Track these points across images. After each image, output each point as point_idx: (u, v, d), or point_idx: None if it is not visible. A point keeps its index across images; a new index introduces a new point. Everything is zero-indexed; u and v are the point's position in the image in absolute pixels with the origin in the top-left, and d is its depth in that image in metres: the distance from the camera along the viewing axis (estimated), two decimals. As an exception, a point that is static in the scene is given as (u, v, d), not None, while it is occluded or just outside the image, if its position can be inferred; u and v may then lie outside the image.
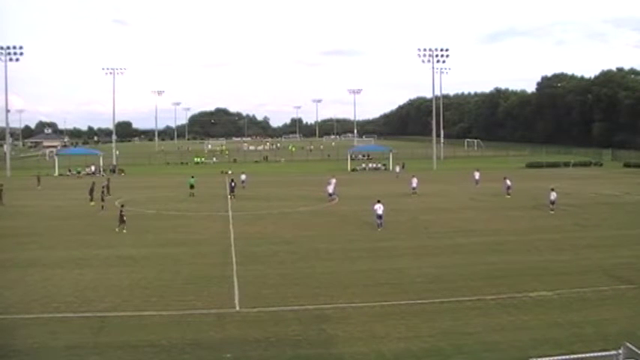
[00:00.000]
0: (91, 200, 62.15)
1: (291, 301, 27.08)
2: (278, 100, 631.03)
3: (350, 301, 26.97)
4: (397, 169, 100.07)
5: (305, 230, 45.79)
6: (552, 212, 51.68)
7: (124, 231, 44.16)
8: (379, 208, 44.55)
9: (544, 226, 46.38)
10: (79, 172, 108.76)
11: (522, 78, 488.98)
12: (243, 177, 77.21)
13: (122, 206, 45.02)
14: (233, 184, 67.62)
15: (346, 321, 24.11)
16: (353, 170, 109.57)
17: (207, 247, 39.74)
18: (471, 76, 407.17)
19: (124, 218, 45.20)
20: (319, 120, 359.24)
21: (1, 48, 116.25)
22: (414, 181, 67.55)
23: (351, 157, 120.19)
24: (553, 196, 52.51)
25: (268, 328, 23.42)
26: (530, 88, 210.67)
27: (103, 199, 59.17)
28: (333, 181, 65.77)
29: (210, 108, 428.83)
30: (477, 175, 74.47)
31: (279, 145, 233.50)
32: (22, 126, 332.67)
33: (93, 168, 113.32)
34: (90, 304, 27.05)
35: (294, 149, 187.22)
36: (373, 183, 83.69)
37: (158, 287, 29.84)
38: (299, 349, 21.34)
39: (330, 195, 62.59)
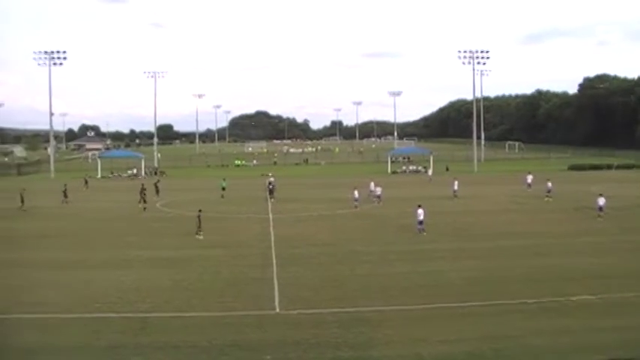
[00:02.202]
0: (144, 202, 63.17)
1: (330, 303, 27.04)
2: (318, 103, 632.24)
3: (389, 303, 26.89)
4: (430, 172, 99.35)
5: (344, 233, 45.75)
6: (600, 219, 49.30)
7: (201, 237, 43.44)
8: (421, 214, 44.07)
9: (586, 229, 45.82)
10: (134, 175, 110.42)
11: (564, 79, 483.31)
12: (271, 179, 77.66)
13: (200, 211, 44.61)
14: (271, 186, 68.04)
15: (385, 324, 24.03)
16: (393, 173, 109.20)
17: (247, 249, 39.91)
18: (512, 78, 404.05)
19: (200, 224, 44.30)
20: (359, 122, 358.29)
21: (46, 53, 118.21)
22: (456, 184, 67.15)
23: (391, 159, 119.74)
24: (602, 201, 50.35)
25: (308, 330, 23.46)
26: (572, 89, 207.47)
27: (144, 201, 59.69)
28: (372, 184, 65.46)
29: (251, 111, 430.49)
30: (529, 178, 73.27)
31: (319, 147, 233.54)
32: (66, 129, 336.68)
33: (135, 170, 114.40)
34: (132, 305, 27.35)
35: (337, 150, 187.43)
36: (413, 185, 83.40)
37: (199, 289, 30.06)
38: (338, 351, 21.33)
39: (373, 196, 62.14)
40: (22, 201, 60.97)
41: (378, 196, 62.16)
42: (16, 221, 54.66)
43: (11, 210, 60.59)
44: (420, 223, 43.86)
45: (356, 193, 59.52)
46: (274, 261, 35.88)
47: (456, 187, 66.83)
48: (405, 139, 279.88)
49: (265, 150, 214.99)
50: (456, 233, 44.97)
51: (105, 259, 37.75)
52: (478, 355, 20.87)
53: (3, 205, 63.15)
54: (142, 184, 65.28)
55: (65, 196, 68.09)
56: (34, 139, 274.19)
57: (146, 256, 38.36)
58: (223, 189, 70.21)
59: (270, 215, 54.62)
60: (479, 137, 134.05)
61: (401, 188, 78.49)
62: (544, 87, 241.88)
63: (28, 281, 32.20)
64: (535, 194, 66.47)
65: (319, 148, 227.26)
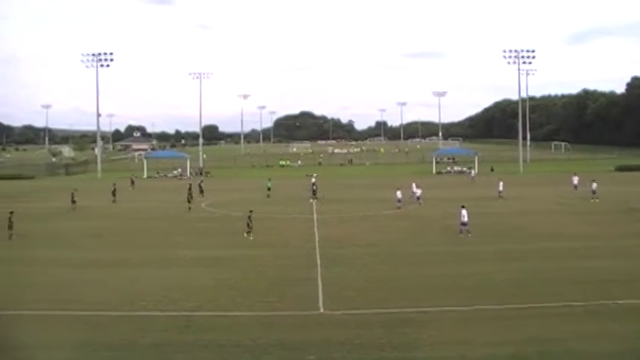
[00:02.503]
0: (189, 202, 63.87)
1: (374, 304, 26.95)
2: (362, 103, 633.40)
3: (433, 304, 26.70)
4: (472, 173, 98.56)
5: (388, 233, 45.63)
6: None
7: (251, 237, 43.36)
8: (465, 215, 43.62)
9: (634, 231, 44.87)
10: (179, 175, 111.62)
11: (611, 78, 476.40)
12: (313, 180, 77.83)
13: (251, 212, 44.69)
14: (315, 187, 68.21)
15: (430, 325, 23.88)
16: (438, 173, 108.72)
17: (291, 249, 40.02)
18: (558, 77, 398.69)
19: (251, 224, 44.00)
20: (404, 123, 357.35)
21: (93, 55, 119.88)
22: (500, 185, 66.60)
23: (435, 160, 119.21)
24: None
25: (352, 330, 23.40)
26: (620, 88, 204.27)
27: (189, 201, 60.17)
28: (414, 184, 65.14)
29: (295, 111, 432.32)
30: (575, 179, 72.23)
31: (364, 148, 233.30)
32: (113, 130, 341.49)
33: (180, 171, 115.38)
34: (176, 304, 27.60)
35: (383, 151, 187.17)
36: (457, 186, 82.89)
37: (243, 288, 30.21)
38: (382, 352, 21.25)
39: (414, 198, 61.73)
40: (74, 201, 62.02)
41: (418, 198, 61.74)
42: (66, 220, 55.57)
43: (61, 209, 61.63)
44: (464, 224, 43.43)
45: (399, 193, 59.22)
46: (318, 261, 35.88)
47: (500, 188, 66.29)
48: (449, 139, 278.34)
49: (311, 150, 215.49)
50: (501, 234, 44.56)
51: (150, 258, 38.21)
52: (522, 358, 20.63)
53: (53, 204, 64.10)
54: (190, 185, 65.90)
55: (114, 195, 69.25)
56: (82, 139, 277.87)
57: (191, 255, 38.70)
58: (269, 189, 70.77)
59: (315, 215, 54.71)
60: (524, 138, 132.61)
61: (445, 189, 78.16)
62: (591, 86, 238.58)
63: (76, 279, 32.70)
64: (581, 195, 65.66)
65: (364, 148, 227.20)
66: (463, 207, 44.32)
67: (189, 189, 61.51)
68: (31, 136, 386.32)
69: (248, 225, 43.65)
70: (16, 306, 27.61)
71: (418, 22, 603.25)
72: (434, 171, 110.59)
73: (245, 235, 43.49)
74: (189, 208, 58.72)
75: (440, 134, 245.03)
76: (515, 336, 22.60)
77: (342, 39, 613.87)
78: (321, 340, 22.53)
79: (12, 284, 31.92)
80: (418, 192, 62.28)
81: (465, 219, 43.34)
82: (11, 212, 45.63)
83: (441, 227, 47.44)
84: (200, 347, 21.98)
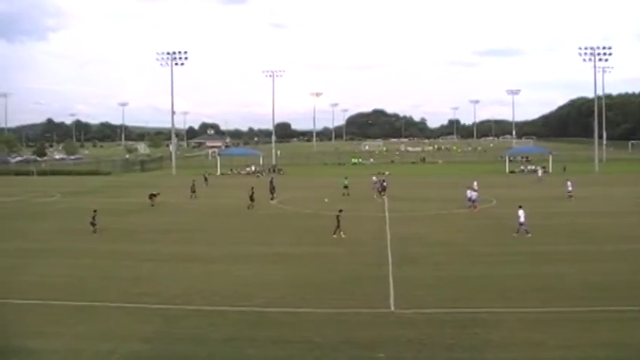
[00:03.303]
0: (272, 199, 64.38)
1: (445, 303, 26.77)
2: (435, 101, 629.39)
3: (505, 305, 26.37)
4: (539, 172, 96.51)
5: (460, 232, 45.23)
6: None
7: (343, 235, 43.08)
8: (522, 215, 42.84)
9: None
10: (253, 172, 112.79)
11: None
12: (374, 179, 77.89)
13: (340, 211, 44.38)
14: (385, 184, 68.16)
15: (501, 326, 23.60)
16: (511, 172, 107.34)
17: (362, 247, 40.01)
18: (635, 75, 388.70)
19: (340, 222, 43.60)
20: (477, 121, 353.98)
21: (168, 54, 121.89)
22: (569, 185, 65.37)
23: (509, 158, 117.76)
24: None
25: (422, 329, 23.29)
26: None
27: (252, 199, 60.03)
28: (475, 183, 64.36)
29: (368, 109, 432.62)
30: None
31: (436, 146, 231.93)
32: (187, 127, 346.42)
33: (253, 168, 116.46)
34: (247, 299, 27.87)
35: (456, 149, 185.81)
36: (530, 186, 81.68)
37: (313, 285, 30.35)
38: (452, 352, 21.12)
39: (473, 201, 60.62)
40: (152, 197, 63.29)
41: (470, 199, 60.42)
42: (142, 216, 56.77)
43: (137, 204, 62.90)
44: (521, 224, 42.85)
45: (469, 192, 58.62)
46: (390, 259, 35.79)
47: (569, 188, 64.99)
48: (523, 138, 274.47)
49: (385, 149, 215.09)
50: (574, 235, 43.65)
51: (223, 253, 38.77)
52: (594, 362, 20.34)
53: (129, 199, 65.40)
54: (271, 180, 66.16)
55: (193, 191, 70.47)
56: (157, 136, 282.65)
57: (263, 251, 39.08)
58: (346, 187, 70.70)
59: (387, 214, 54.62)
60: (600, 136, 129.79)
61: (517, 188, 77.13)
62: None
63: (152, 273, 33.53)
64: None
65: (436, 146, 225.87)
66: (520, 207, 43.83)
67: (252, 189, 61.51)
68: (107, 133, 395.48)
69: (337, 224, 43.26)
70: (95, 298, 28.44)
71: (492, 19, 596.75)
72: (507, 170, 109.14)
73: (334, 235, 42.97)
74: (250, 206, 58.83)
75: (513, 133, 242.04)
76: (587, 339, 22.13)
77: (414, 36, 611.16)
78: (391, 338, 22.49)
79: (92, 277, 32.87)
80: (473, 194, 60.50)
81: (522, 219, 42.80)
82: (95, 211, 47.02)
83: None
84: (270, 343, 22.19)
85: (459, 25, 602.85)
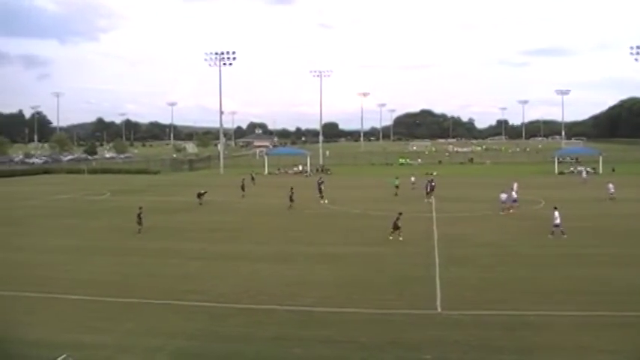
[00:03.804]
0: (322, 198, 64.48)
1: (492, 305, 26.52)
2: (483, 101, 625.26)
3: (553, 308, 25.98)
4: (584, 173, 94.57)
5: (507, 233, 44.76)
6: None
7: (400, 238, 41.82)
8: (557, 217, 42.35)
9: None
10: (300, 172, 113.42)
11: None
12: (413, 179, 78.18)
13: (400, 214, 43.18)
14: (433, 184, 67.86)
15: (549, 329, 23.31)
16: (560, 173, 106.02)
17: (410, 248, 39.81)
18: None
19: (399, 225, 42.37)
20: (525, 121, 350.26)
21: (216, 54, 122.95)
22: (610, 187, 64.23)
23: (558, 159, 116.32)
24: None
25: (469, 331, 23.14)
26: None
27: (291, 200, 59.74)
28: (515, 185, 63.55)
29: (415, 109, 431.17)
30: None
31: (484, 146, 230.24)
32: (235, 127, 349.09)
33: (300, 167, 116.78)
34: (294, 299, 27.97)
35: (504, 149, 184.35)
36: (579, 187, 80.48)
37: (360, 285, 30.31)
38: (500, 354, 20.92)
39: (514, 201, 59.74)
40: (200, 196, 63.87)
41: (504, 202, 59.66)
42: (190, 214, 57.27)
43: (185, 203, 63.47)
44: (556, 225, 42.39)
45: (514, 193, 58.09)
46: (437, 260, 35.58)
47: (611, 191, 63.80)
48: (572, 139, 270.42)
49: (434, 149, 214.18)
50: (620, 238, 42.80)
51: (271, 252, 38.91)
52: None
53: (178, 198, 65.97)
54: (320, 179, 66.13)
55: (243, 189, 71.08)
56: (205, 136, 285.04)
57: (310, 251, 39.16)
58: (397, 187, 70.59)
59: (434, 214, 54.34)
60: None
61: (566, 189, 76.07)
62: None
63: (199, 271, 33.84)
64: None
65: (484, 147, 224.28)
66: (555, 208, 43.45)
67: (292, 190, 61.33)
68: (156, 132, 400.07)
69: (395, 225, 42.31)
70: (143, 295, 28.81)
71: (541, 19, 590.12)
72: (556, 171, 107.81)
73: (390, 237, 42.11)
74: (290, 207, 58.73)
75: (562, 133, 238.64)
76: (634, 344, 21.74)
77: (463, 36, 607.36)
78: (437, 339, 22.35)
79: (140, 274, 33.37)
80: (504, 196, 57.97)
81: (558, 220, 42.34)
82: (140, 207, 47.41)
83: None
84: (317, 342, 22.22)
85: (508, 25, 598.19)
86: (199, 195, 64.18)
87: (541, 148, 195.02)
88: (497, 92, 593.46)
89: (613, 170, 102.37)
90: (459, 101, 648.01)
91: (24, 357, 20.91)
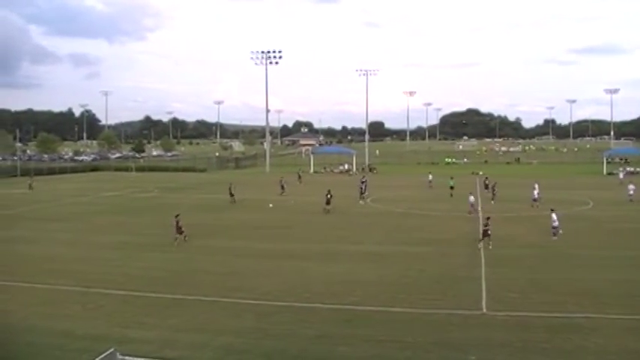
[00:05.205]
0: (362, 198, 64.19)
1: (538, 306, 26.24)
2: (530, 101, 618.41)
3: (601, 311, 25.55)
4: (620, 174, 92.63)
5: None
6: None
7: (490, 247, 38.53)
8: (555, 220, 42.29)
9: None
10: (345, 171, 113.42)
11: None
12: (430, 177, 79.32)
13: (488, 219, 40.77)
14: (487, 181, 69.22)
15: (597, 332, 22.95)
16: (609, 174, 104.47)
17: (454, 248, 39.65)
18: None
19: (489, 232, 39.38)
20: (573, 121, 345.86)
21: (262, 52, 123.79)
22: (630, 189, 63.35)
23: (606, 160, 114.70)
24: None
25: (514, 333, 22.95)
26: None
27: (328, 202, 57.64)
28: (536, 185, 62.79)
29: (462, 108, 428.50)
30: None
31: (531, 146, 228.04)
32: (281, 125, 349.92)
33: (346, 166, 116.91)
34: (339, 297, 28.00)
35: (553, 149, 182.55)
36: (607, 188, 78.97)
37: (405, 285, 30.26)
38: (545, 357, 20.70)
39: (534, 200, 59.03)
40: (232, 194, 64.12)
41: (535, 200, 59.19)
42: (236, 212, 57.69)
43: (239, 201, 63.83)
44: (554, 227, 42.32)
45: (536, 193, 58.89)
46: (482, 260, 35.37)
47: (630, 192, 62.87)
48: (622, 138, 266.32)
49: (485, 148, 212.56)
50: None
51: (315, 251, 39.06)
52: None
53: (224, 196, 66.31)
54: (364, 178, 65.95)
55: (282, 188, 71.25)
56: (251, 134, 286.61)
57: (354, 249, 39.23)
58: (452, 188, 69.55)
59: (480, 214, 53.94)
60: None
61: (614, 190, 74.55)
62: None
63: (245, 269, 34.10)
64: None
65: (531, 147, 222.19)
66: (552, 210, 43.63)
67: (328, 193, 59.62)
68: (203, 130, 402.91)
69: (484, 233, 39.58)
70: (189, 291, 29.14)
71: (588, 16, 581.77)
72: (604, 172, 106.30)
73: (479, 246, 38.99)
74: (325, 210, 57.33)
75: (611, 133, 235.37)
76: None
77: (509, 34, 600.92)
78: (482, 340, 22.22)
79: (186, 271, 33.77)
80: (535, 194, 59.46)
81: (556, 223, 42.33)
82: (177, 215, 42.58)
83: (609, 230, 45.67)
84: (361, 341, 22.22)
85: (555, 23, 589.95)
86: (231, 193, 64.41)
87: (589, 149, 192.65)
88: (544, 91, 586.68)
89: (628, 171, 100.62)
90: (505, 100, 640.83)
91: (72, 350, 21.29)
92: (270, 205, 60.35)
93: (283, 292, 28.99)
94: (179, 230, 41.43)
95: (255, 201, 64.77)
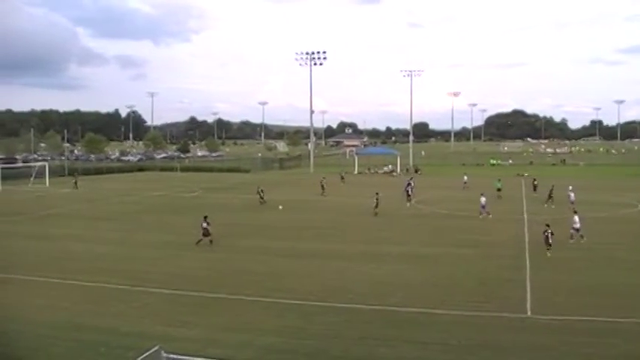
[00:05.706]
0: (408, 201, 63.65)
1: (584, 310, 25.79)
2: (576, 101, 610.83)
3: (648, 316, 25.28)
4: None
5: (602, 237, 43.38)
6: None
7: (549, 254, 36.80)
8: (577, 221, 41.58)
9: None
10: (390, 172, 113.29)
11: None
12: (465, 178, 79.27)
13: (547, 225, 38.40)
14: (536, 182, 69.69)
15: (643, 337, 22.69)
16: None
17: (499, 250, 39.31)
18: None
19: (550, 240, 37.25)
20: (621, 122, 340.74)
21: (307, 53, 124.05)
22: None
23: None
24: None
25: (559, 336, 22.64)
26: None
27: (376, 206, 56.28)
28: (570, 187, 61.67)
29: (507, 109, 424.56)
30: None
31: (578, 147, 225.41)
32: (325, 126, 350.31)
33: (390, 167, 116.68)
34: (382, 298, 27.92)
35: (601, 150, 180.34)
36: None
37: (448, 286, 30.08)
38: (590, 361, 20.53)
39: (572, 202, 57.90)
40: (262, 197, 64.23)
41: (572, 202, 57.84)
42: (278, 212, 57.67)
43: (275, 202, 63.91)
44: (576, 230, 41.63)
45: (572, 195, 58.42)
46: (527, 263, 35.01)
47: None
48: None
49: (531, 150, 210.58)
50: None
51: (358, 251, 38.96)
52: None
53: (267, 197, 66.50)
54: (410, 179, 65.72)
55: (322, 188, 71.35)
56: (295, 135, 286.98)
57: (397, 250, 39.07)
58: (499, 190, 68.41)
59: (525, 216, 53.47)
60: None
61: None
62: None
63: (285, 268, 34.29)
64: None
65: (578, 148, 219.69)
66: (575, 212, 42.95)
67: (377, 194, 58.15)
68: (247, 131, 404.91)
69: (546, 239, 37.52)
70: (231, 291, 29.31)
71: (636, 14, 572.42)
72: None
73: (548, 254, 36.86)
74: (376, 212, 56.43)
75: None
76: None
77: (555, 34, 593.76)
78: (526, 344, 21.97)
79: (229, 270, 33.98)
80: (572, 195, 58.96)
81: (577, 225, 41.57)
82: (205, 217, 42.19)
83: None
84: (404, 343, 22.13)
85: (601, 23, 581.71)
86: (261, 196, 64.65)
87: (637, 150, 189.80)
88: (590, 92, 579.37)
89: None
90: (551, 101, 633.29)
91: (117, 347, 21.53)
92: (280, 207, 60.26)
93: (326, 292, 28.99)
94: (205, 232, 40.94)
95: (297, 202, 64.87)
